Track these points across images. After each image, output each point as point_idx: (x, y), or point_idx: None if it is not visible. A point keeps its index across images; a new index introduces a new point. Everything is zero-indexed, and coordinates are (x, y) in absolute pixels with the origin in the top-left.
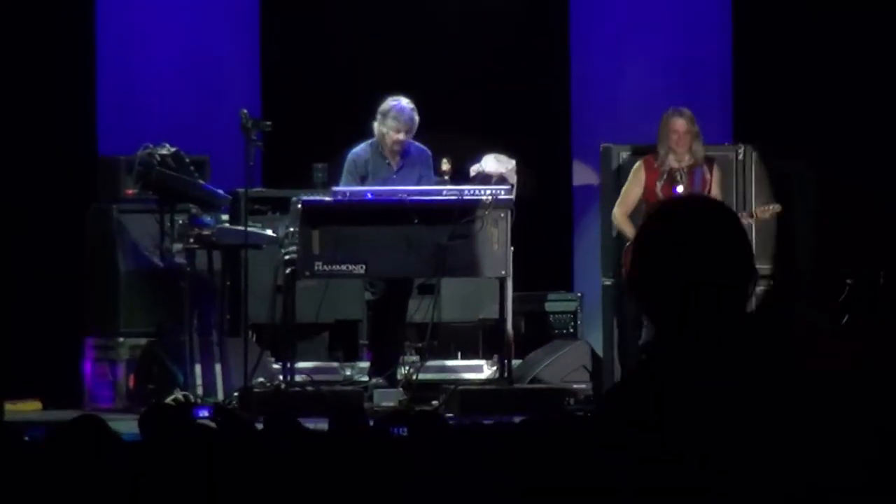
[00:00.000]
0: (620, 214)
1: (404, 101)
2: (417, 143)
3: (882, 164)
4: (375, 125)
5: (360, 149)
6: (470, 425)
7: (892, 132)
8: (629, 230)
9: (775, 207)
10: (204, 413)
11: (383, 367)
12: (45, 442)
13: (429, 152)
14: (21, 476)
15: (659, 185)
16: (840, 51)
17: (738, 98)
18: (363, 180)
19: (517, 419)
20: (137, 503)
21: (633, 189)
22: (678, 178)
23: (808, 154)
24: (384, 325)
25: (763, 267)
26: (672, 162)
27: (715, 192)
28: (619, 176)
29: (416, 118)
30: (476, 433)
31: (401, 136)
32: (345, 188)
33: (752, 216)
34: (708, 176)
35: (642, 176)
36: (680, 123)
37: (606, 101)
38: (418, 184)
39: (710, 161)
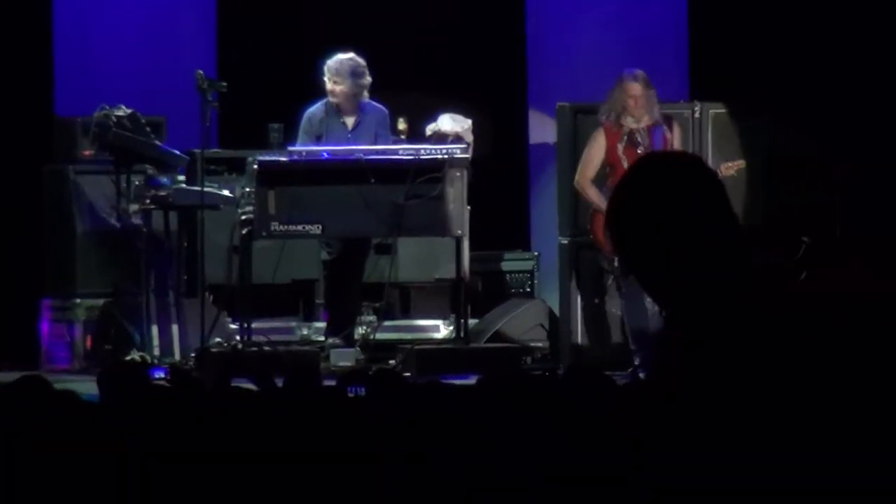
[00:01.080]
0: (584, 180)
1: (342, 55)
2: (374, 102)
3: (837, 117)
4: (324, 80)
5: (315, 108)
6: (427, 384)
7: (848, 85)
8: (594, 195)
9: (740, 163)
10: (160, 374)
11: (340, 326)
12: None
13: (385, 111)
14: None
15: (620, 147)
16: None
17: (693, 55)
18: (318, 139)
19: (474, 378)
20: (91, 464)
21: (594, 153)
22: (638, 139)
23: (764, 110)
24: (340, 285)
25: None
26: (630, 123)
27: (676, 149)
28: (576, 135)
29: (351, 72)
30: (433, 392)
31: (330, 86)
32: (301, 147)
33: (717, 174)
34: (668, 135)
35: (602, 140)
36: (636, 87)
37: (562, 60)
38: (374, 143)
39: (668, 119)
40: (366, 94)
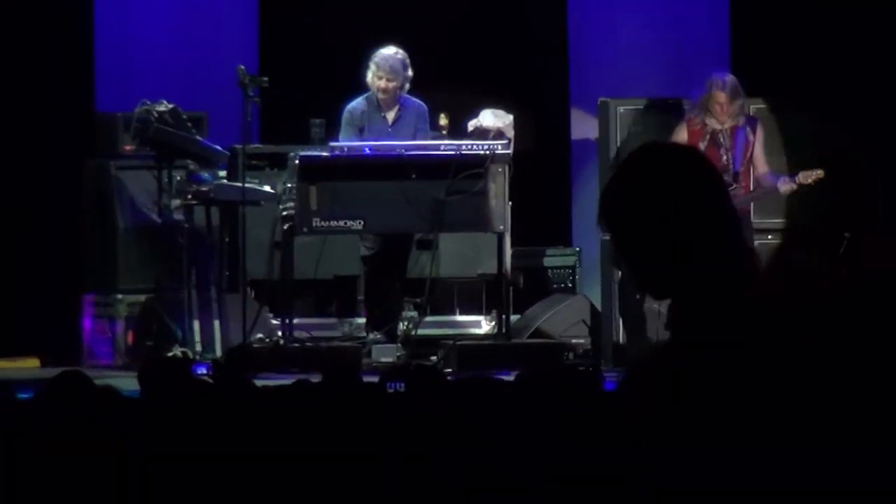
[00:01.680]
0: None
1: (389, 49)
2: (414, 98)
3: (881, 114)
4: (367, 73)
5: (357, 102)
6: (468, 379)
7: (890, 82)
8: None
9: (818, 173)
10: (202, 370)
11: (380, 322)
12: (34, 400)
13: (425, 107)
14: (10, 434)
15: (702, 146)
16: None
17: (734, 51)
18: (361, 133)
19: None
20: (135, 458)
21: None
22: (720, 139)
23: (806, 106)
24: (380, 281)
25: (768, 221)
26: (714, 124)
27: (758, 152)
28: (618, 129)
29: (402, 67)
30: (474, 387)
31: (383, 84)
32: (343, 143)
33: (795, 182)
34: (751, 137)
35: (684, 136)
36: (722, 96)
37: (603, 57)
38: (413, 137)
39: (753, 121)
40: (406, 87)
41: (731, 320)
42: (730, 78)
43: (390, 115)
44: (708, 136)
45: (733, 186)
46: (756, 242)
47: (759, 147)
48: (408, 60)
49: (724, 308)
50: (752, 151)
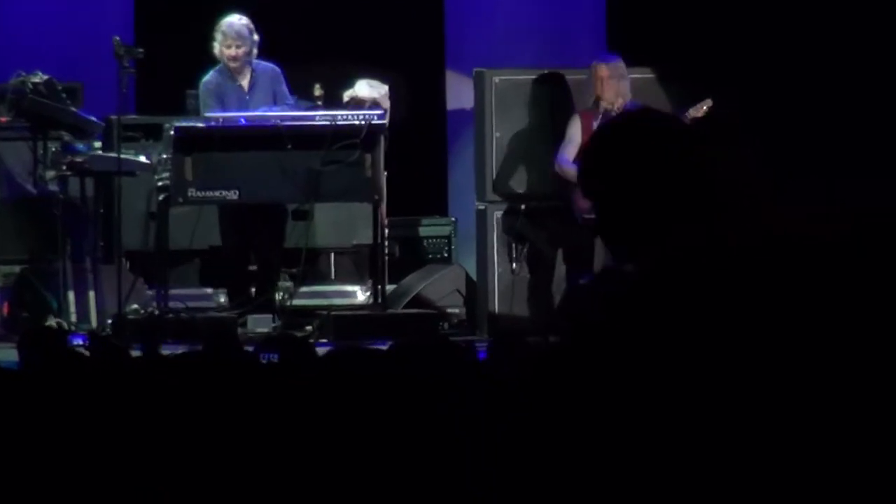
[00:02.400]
0: (566, 160)
1: (235, 17)
2: (265, 62)
3: (762, 83)
4: (214, 45)
5: (210, 76)
6: (339, 350)
7: (770, 50)
8: (572, 173)
9: (707, 102)
10: (79, 341)
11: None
12: None
13: (278, 69)
14: None
15: (595, 125)
16: None
17: (611, 19)
18: (222, 104)
19: (389, 344)
20: (11, 432)
21: (573, 134)
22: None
23: (688, 74)
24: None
25: None
26: (605, 105)
27: None
28: (493, 100)
29: (248, 32)
30: (346, 358)
31: (232, 52)
32: (219, 114)
33: (686, 118)
34: None
35: (578, 124)
36: (602, 69)
37: (480, 24)
38: (274, 101)
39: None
40: (255, 52)
41: (695, 263)
42: (615, 56)
43: (245, 82)
44: (600, 116)
45: None
46: None
47: None
48: (252, 25)
49: (690, 255)
50: None
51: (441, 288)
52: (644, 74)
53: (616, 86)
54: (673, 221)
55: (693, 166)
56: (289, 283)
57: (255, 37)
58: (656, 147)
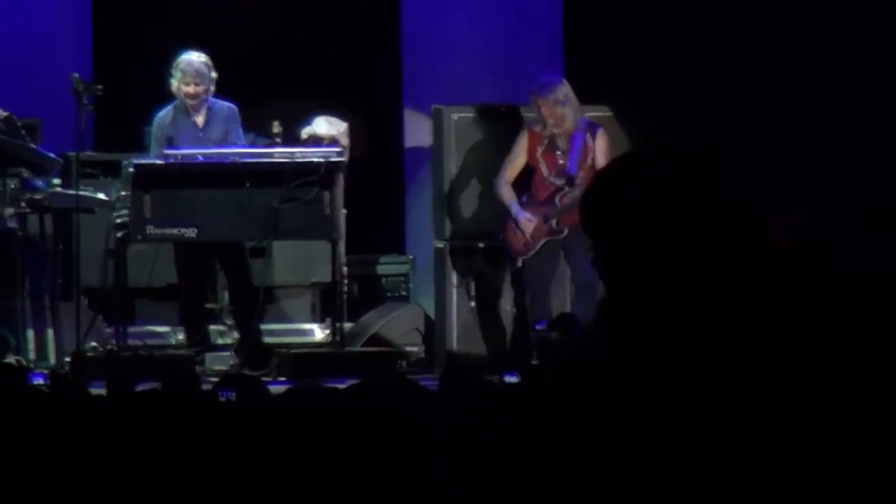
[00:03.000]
0: (501, 180)
1: (194, 54)
2: (223, 100)
3: (717, 115)
4: (171, 82)
5: (164, 112)
6: (295, 389)
7: (727, 82)
8: (507, 196)
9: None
10: (39, 379)
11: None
12: None
13: (235, 107)
14: None
15: (539, 150)
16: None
17: (569, 55)
18: (169, 142)
19: (349, 382)
20: None
21: (516, 154)
22: (558, 143)
23: (643, 112)
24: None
25: None
26: (552, 128)
27: (599, 157)
28: (453, 137)
29: (208, 71)
30: (302, 396)
31: (191, 89)
32: (176, 150)
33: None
34: (591, 143)
35: (525, 142)
36: (544, 98)
37: (437, 61)
38: (224, 139)
39: (593, 127)
40: (212, 89)
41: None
42: (551, 82)
43: (199, 119)
44: (546, 141)
45: (565, 190)
46: None
47: (601, 152)
48: (210, 62)
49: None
50: (594, 157)
51: (399, 326)
52: (602, 112)
53: (556, 111)
54: (676, 255)
55: (696, 201)
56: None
57: (214, 74)
58: (661, 186)
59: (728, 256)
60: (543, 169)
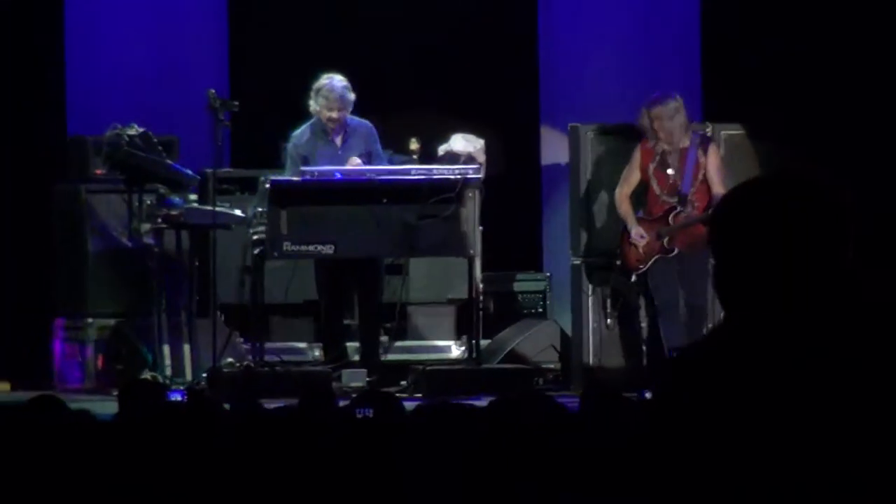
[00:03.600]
0: (621, 195)
1: (336, 78)
2: (357, 119)
3: (850, 142)
4: (311, 103)
5: (301, 131)
6: (430, 406)
7: (861, 107)
8: (625, 211)
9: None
10: (176, 396)
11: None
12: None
13: (371, 126)
14: None
15: (651, 167)
16: (814, 26)
17: (706, 75)
18: (305, 161)
19: (485, 400)
20: (108, 483)
21: (631, 171)
22: (669, 160)
23: (777, 133)
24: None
25: None
26: (664, 145)
27: (711, 172)
28: (589, 154)
29: (349, 95)
30: (438, 414)
31: (333, 115)
32: (312, 168)
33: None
34: (702, 159)
35: (638, 157)
36: (657, 112)
37: (574, 80)
38: (369, 160)
39: (706, 142)
40: (350, 110)
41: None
42: (666, 96)
43: (338, 139)
44: (658, 158)
45: (678, 210)
46: None
47: (713, 168)
48: (349, 85)
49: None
50: (706, 172)
51: (536, 343)
52: (735, 131)
53: (666, 125)
54: (796, 284)
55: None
56: (384, 338)
57: (352, 96)
58: (791, 211)
59: (845, 295)
60: (655, 186)
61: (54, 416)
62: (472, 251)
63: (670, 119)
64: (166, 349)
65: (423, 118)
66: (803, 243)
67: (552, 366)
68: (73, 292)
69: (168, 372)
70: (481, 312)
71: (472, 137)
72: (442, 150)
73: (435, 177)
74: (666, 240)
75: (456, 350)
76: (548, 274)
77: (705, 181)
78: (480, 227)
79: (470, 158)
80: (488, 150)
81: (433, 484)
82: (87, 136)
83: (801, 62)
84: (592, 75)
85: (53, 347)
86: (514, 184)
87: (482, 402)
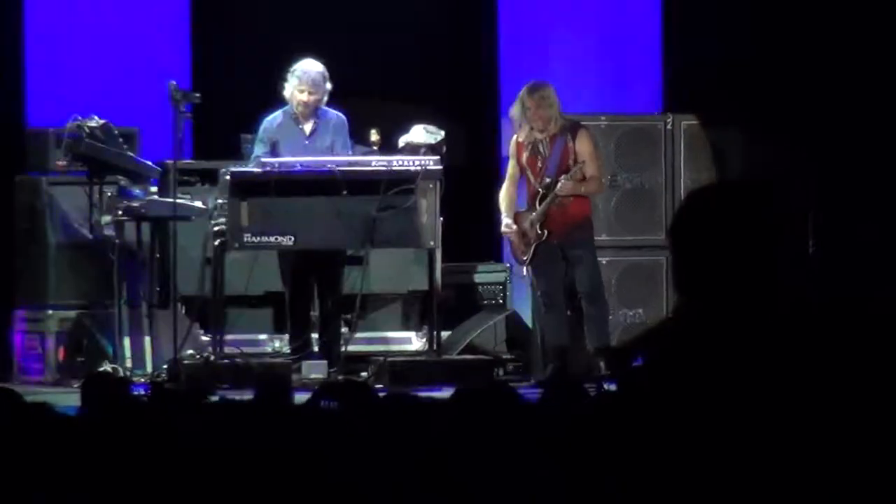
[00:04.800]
0: (502, 190)
1: (311, 63)
2: (334, 110)
3: (812, 132)
4: (286, 86)
5: (274, 115)
6: (399, 396)
7: (826, 97)
8: (502, 206)
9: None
10: (140, 390)
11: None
12: None
13: (343, 118)
14: None
15: (525, 156)
16: (777, 14)
17: (667, 66)
18: (274, 146)
19: (446, 391)
20: (69, 479)
21: (511, 165)
22: (540, 149)
23: (735, 122)
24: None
25: (656, 237)
26: (536, 134)
27: (584, 159)
28: None
29: (322, 80)
30: (405, 404)
31: (304, 98)
32: (273, 159)
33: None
34: (570, 145)
35: (513, 150)
36: (529, 100)
37: (535, 70)
38: (331, 149)
39: (574, 129)
40: (325, 100)
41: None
42: (539, 83)
43: (307, 127)
44: (529, 146)
45: (542, 194)
46: None
47: (585, 153)
48: (327, 73)
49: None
50: (574, 160)
51: (496, 334)
52: (689, 121)
53: (543, 113)
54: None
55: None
56: (344, 329)
57: (329, 85)
58: (747, 213)
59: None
60: (529, 175)
61: (9, 409)
62: (432, 242)
63: (549, 107)
64: (127, 341)
65: (384, 109)
66: (752, 243)
67: (513, 357)
68: (33, 284)
69: (128, 364)
70: (442, 304)
71: (432, 128)
72: (402, 141)
73: (395, 168)
74: (537, 225)
75: (416, 341)
76: (507, 265)
77: (576, 165)
78: (441, 219)
79: (430, 149)
80: (448, 141)
81: (393, 476)
82: (47, 127)
83: (763, 51)
84: (554, 66)
85: (14, 339)
86: (475, 174)
87: (443, 394)
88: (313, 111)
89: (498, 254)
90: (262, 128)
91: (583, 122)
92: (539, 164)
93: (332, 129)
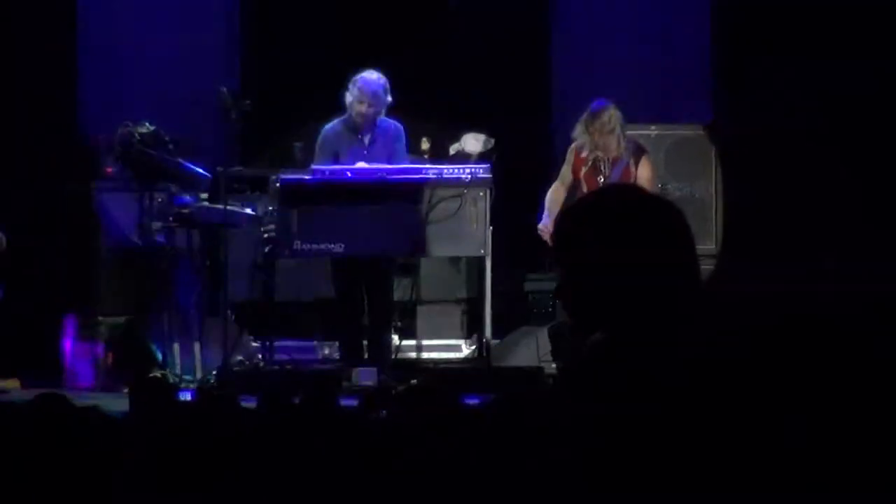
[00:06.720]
0: (554, 190)
1: (372, 75)
2: (391, 120)
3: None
4: (347, 95)
5: (333, 125)
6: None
7: (866, 116)
8: (550, 206)
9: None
10: (186, 395)
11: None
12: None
13: (401, 128)
14: None
15: (584, 170)
16: (824, 30)
17: (717, 79)
18: (335, 156)
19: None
20: (117, 480)
21: (567, 171)
22: (601, 167)
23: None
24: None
25: (706, 247)
26: (597, 152)
27: (641, 183)
28: None
29: (383, 93)
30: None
31: (363, 109)
32: (324, 167)
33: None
34: (632, 170)
35: (572, 160)
36: (594, 123)
37: (586, 80)
38: (389, 159)
39: (639, 153)
40: (384, 112)
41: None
42: (606, 106)
43: (366, 137)
44: (590, 162)
45: None
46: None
47: (644, 179)
48: (388, 86)
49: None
50: (635, 181)
51: (545, 343)
52: (693, 131)
53: (605, 138)
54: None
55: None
56: (394, 337)
57: (389, 98)
58: (632, 225)
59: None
60: (585, 189)
61: (60, 412)
62: (482, 250)
63: (610, 133)
64: (176, 347)
65: (435, 117)
66: (639, 252)
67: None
68: (84, 290)
69: (178, 370)
70: (491, 312)
71: (483, 137)
72: (453, 149)
73: (445, 176)
74: None
75: (466, 349)
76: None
77: None
78: (491, 227)
79: (481, 157)
80: (499, 149)
81: (437, 482)
82: (98, 134)
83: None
84: (605, 74)
85: (64, 345)
86: (525, 183)
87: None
88: (372, 122)
89: (548, 262)
90: (321, 137)
91: (640, 142)
92: (599, 182)
93: (391, 139)
